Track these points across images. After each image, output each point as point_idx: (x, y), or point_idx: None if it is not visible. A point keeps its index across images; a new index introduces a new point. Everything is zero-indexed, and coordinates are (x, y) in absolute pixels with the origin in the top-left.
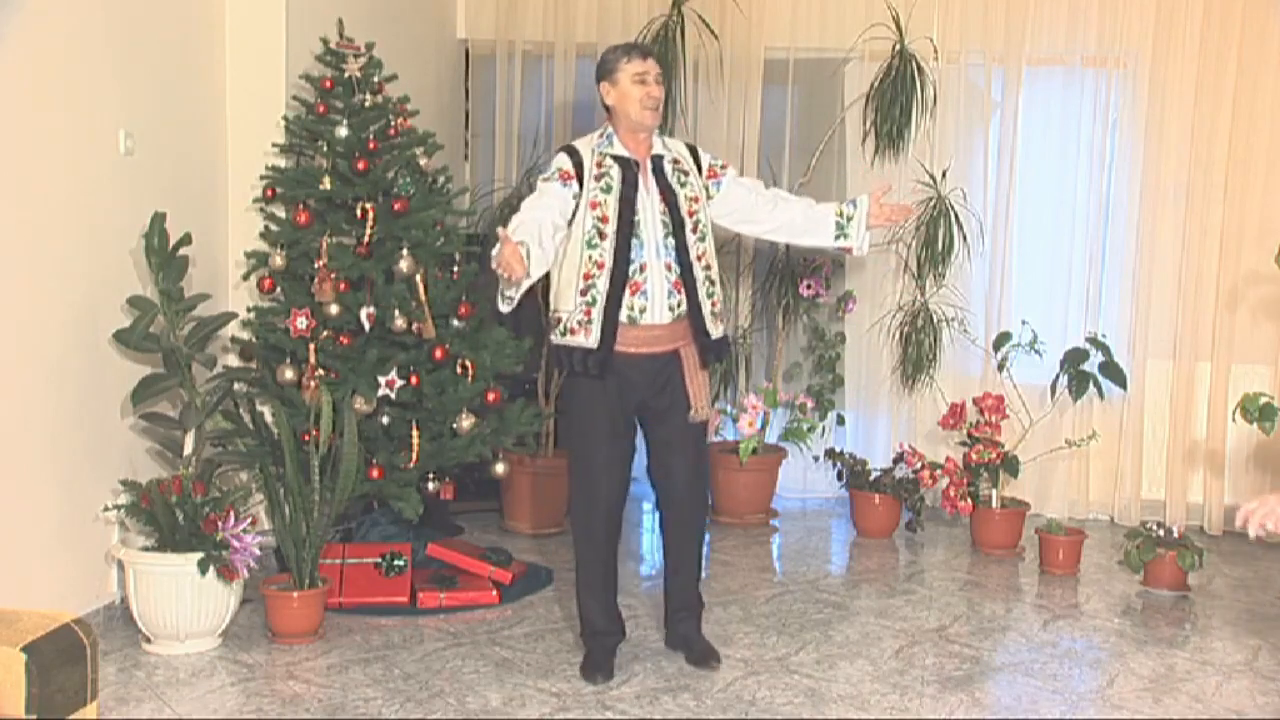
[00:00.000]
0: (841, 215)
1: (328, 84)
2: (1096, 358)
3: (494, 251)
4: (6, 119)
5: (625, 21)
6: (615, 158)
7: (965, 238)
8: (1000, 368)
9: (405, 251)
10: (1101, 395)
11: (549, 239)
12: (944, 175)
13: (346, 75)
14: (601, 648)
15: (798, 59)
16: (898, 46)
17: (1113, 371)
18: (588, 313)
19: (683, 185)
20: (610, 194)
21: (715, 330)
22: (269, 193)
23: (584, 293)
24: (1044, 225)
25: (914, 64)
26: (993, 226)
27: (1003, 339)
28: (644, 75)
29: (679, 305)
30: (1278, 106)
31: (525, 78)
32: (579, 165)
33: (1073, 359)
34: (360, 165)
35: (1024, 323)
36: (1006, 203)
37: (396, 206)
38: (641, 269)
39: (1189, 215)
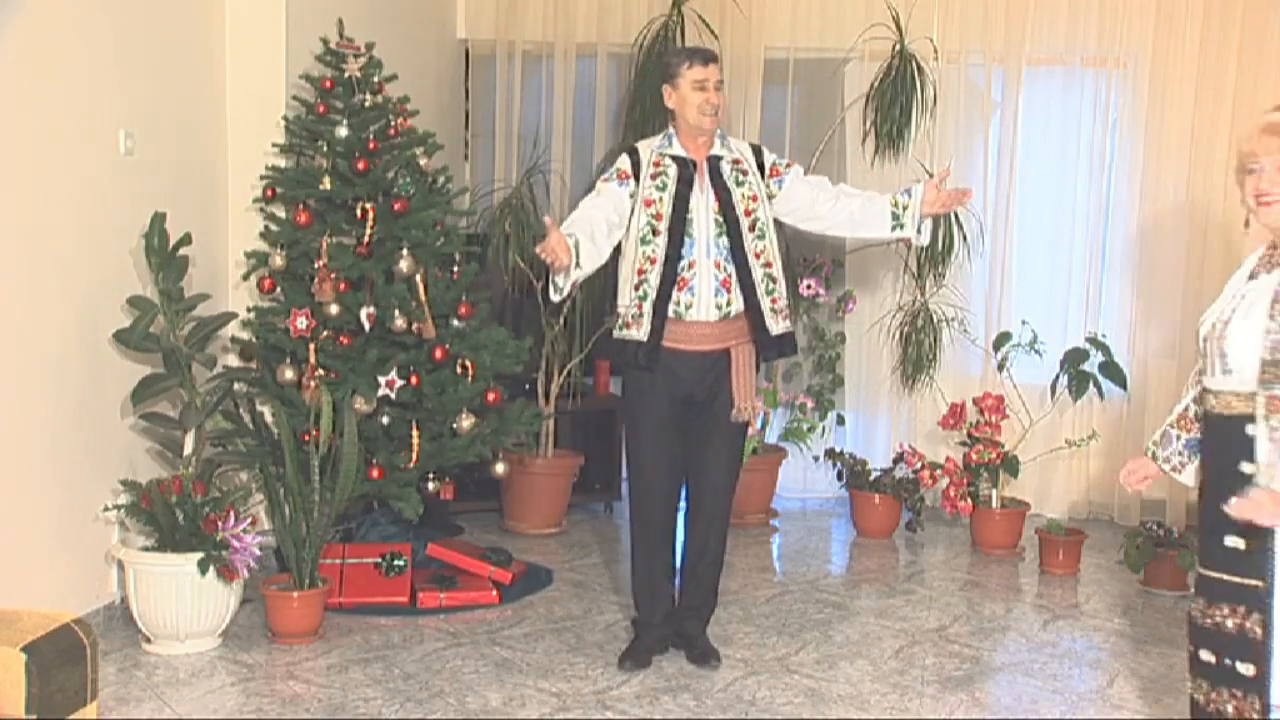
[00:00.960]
0: (896, 205)
1: (328, 84)
2: (1096, 358)
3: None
4: (6, 119)
5: (625, 21)
6: (673, 158)
7: (965, 238)
8: (1000, 368)
9: (405, 251)
10: (1101, 395)
11: (602, 235)
12: None
13: (346, 75)
14: (647, 639)
15: (798, 59)
16: (898, 46)
17: (1113, 371)
18: (640, 307)
19: (740, 184)
20: (665, 192)
21: (776, 326)
22: (269, 193)
23: (637, 287)
24: (1044, 225)
25: (914, 64)
26: (993, 226)
27: (1003, 339)
28: (704, 82)
29: (727, 304)
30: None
31: (525, 78)
32: (637, 165)
33: (1073, 359)
34: (360, 165)
35: (1024, 323)
36: (1006, 203)
37: (396, 206)
38: (690, 266)
39: (1189, 215)
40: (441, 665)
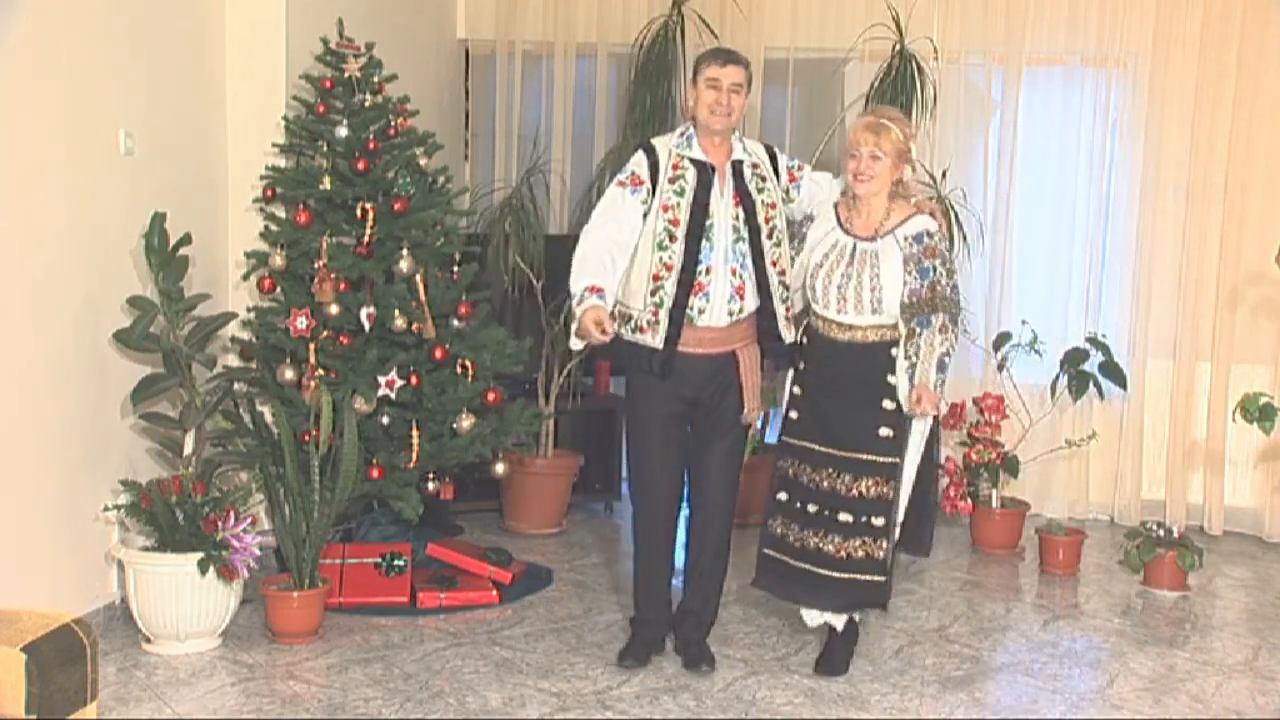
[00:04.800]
0: None
1: (328, 84)
2: (1096, 358)
3: (574, 327)
4: (6, 119)
5: (625, 21)
6: (693, 160)
7: (965, 238)
8: (1000, 368)
9: (405, 251)
10: (1101, 395)
11: (621, 257)
12: (944, 175)
13: (346, 75)
14: (644, 636)
15: (798, 59)
16: (898, 46)
17: (1112, 371)
18: (655, 313)
19: (760, 191)
20: (683, 197)
21: (789, 335)
22: (269, 193)
23: (653, 293)
24: (1044, 225)
25: (914, 64)
26: (993, 226)
27: (1003, 339)
28: (716, 81)
29: (739, 310)
30: (1278, 106)
31: (525, 78)
32: (654, 166)
33: (1073, 359)
34: (360, 165)
35: (1024, 323)
36: (1006, 203)
37: (396, 206)
38: (707, 271)
39: (1189, 215)
40: (441, 665)
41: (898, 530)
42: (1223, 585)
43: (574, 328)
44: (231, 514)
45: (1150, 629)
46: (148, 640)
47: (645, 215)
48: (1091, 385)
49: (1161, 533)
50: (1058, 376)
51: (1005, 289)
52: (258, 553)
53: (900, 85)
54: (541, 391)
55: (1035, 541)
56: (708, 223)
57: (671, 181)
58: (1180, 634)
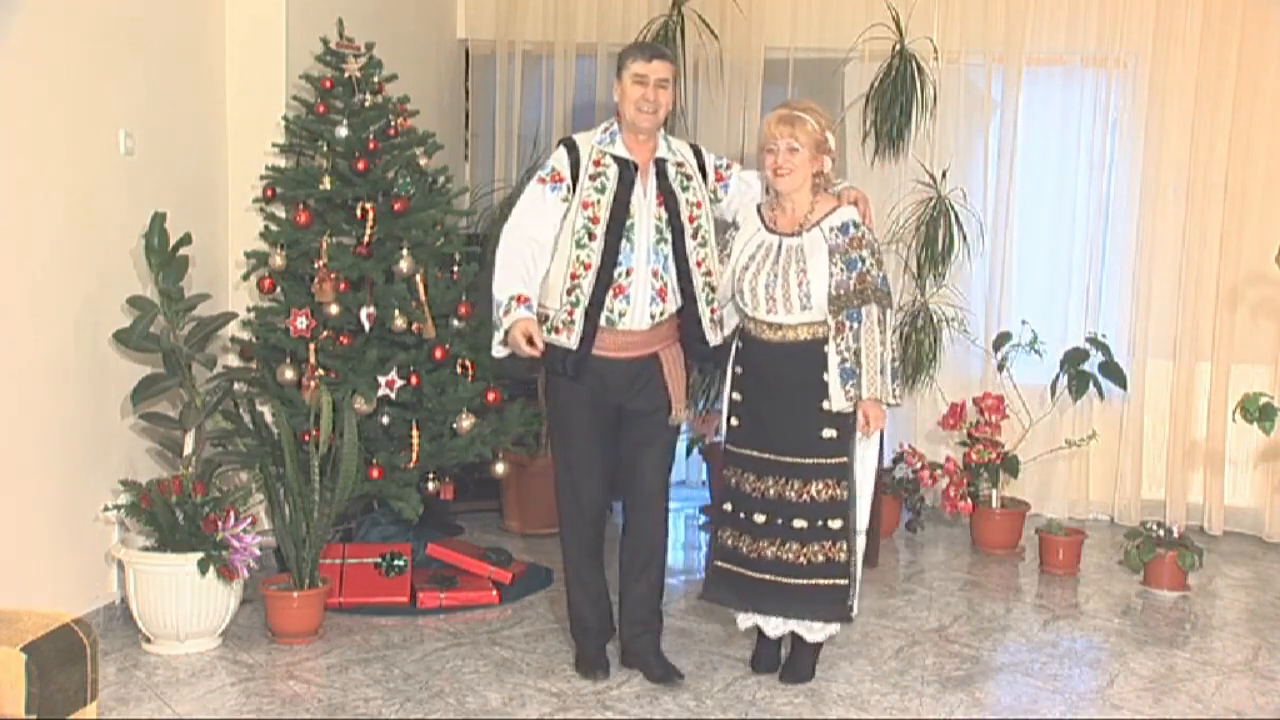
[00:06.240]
0: None
1: (328, 84)
2: (1096, 358)
3: (498, 336)
4: (7, 119)
5: (625, 21)
6: (615, 158)
7: (965, 238)
8: (1000, 368)
9: (405, 251)
10: (1101, 395)
11: (542, 258)
12: (944, 175)
13: (346, 75)
14: (594, 645)
15: (798, 59)
16: (898, 46)
17: (1112, 371)
18: (571, 313)
19: (685, 189)
20: (604, 194)
21: (714, 337)
22: (269, 193)
23: (569, 292)
24: (1044, 225)
25: (914, 64)
26: (993, 226)
27: (1003, 339)
28: (644, 77)
29: (660, 313)
30: (1278, 106)
31: (525, 78)
32: (575, 163)
33: (1073, 359)
34: (360, 165)
35: (1024, 323)
36: (1006, 203)
37: (396, 206)
38: (627, 273)
39: (1189, 215)
40: (441, 665)
41: (862, 537)
42: (1223, 585)
43: (499, 337)
44: (231, 514)
45: (1150, 629)
46: (148, 640)
47: (566, 213)
48: (1091, 385)
49: (1161, 533)
50: (1058, 376)
51: (1005, 289)
52: (258, 553)
53: (900, 85)
54: (541, 391)
55: (1035, 541)
56: (629, 222)
57: (593, 178)
58: (1180, 634)
